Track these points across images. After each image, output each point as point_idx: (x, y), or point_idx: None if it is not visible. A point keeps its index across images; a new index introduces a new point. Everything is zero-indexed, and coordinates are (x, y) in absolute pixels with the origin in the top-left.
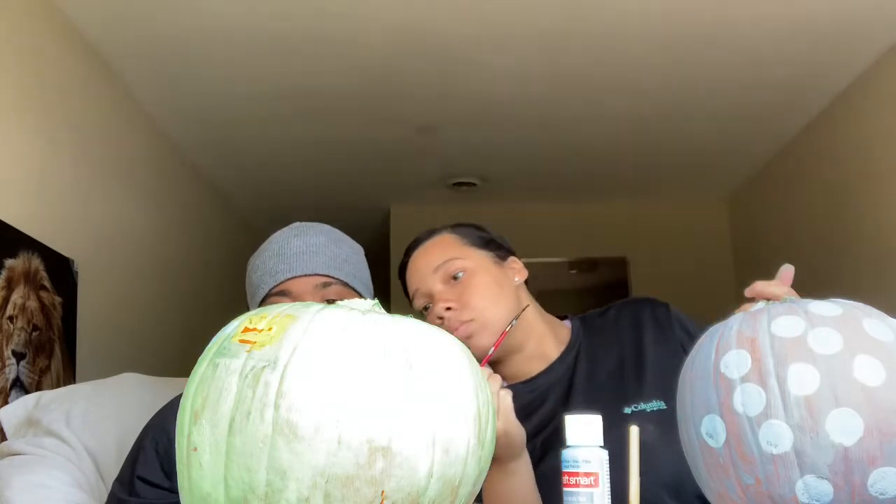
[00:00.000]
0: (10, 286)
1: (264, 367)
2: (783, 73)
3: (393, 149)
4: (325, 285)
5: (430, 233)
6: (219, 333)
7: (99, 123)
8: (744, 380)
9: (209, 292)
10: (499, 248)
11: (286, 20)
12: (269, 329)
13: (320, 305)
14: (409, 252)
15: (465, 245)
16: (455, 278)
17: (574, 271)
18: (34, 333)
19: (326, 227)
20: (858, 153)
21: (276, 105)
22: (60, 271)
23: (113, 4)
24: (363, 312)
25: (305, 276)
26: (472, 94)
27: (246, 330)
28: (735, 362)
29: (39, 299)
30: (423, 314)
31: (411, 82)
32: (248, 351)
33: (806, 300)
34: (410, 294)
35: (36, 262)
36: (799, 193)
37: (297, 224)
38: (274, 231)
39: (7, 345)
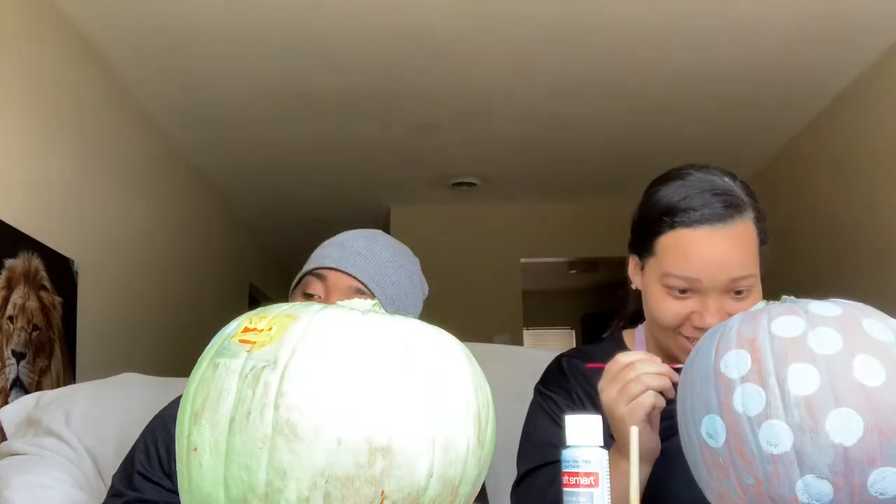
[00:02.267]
0: (10, 286)
1: (264, 367)
2: (784, 72)
3: (393, 149)
4: (358, 292)
5: (733, 209)
6: (219, 333)
7: (99, 124)
8: (744, 380)
9: (209, 292)
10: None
11: (286, 21)
12: (269, 329)
13: (320, 305)
14: (700, 218)
15: (757, 253)
16: (738, 292)
17: (574, 271)
18: (34, 333)
19: (402, 249)
20: (859, 152)
21: (275, 105)
22: (60, 271)
23: (113, 4)
24: (363, 312)
25: (347, 274)
26: (472, 94)
27: (246, 330)
28: (735, 362)
29: (39, 299)
30: (663, 287)
31: (411, 82)
32: (248, 351)
33: (806, 300)
34: (672, 265)
35: (36, 262)
36: (799, 192)
37: (375, 231)
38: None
39: (7, 345)
